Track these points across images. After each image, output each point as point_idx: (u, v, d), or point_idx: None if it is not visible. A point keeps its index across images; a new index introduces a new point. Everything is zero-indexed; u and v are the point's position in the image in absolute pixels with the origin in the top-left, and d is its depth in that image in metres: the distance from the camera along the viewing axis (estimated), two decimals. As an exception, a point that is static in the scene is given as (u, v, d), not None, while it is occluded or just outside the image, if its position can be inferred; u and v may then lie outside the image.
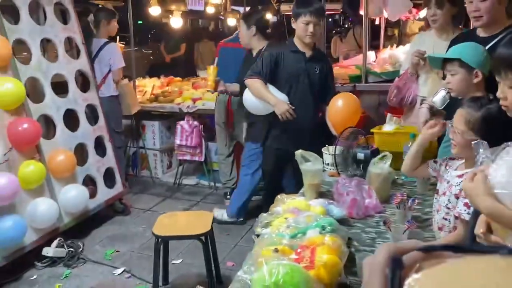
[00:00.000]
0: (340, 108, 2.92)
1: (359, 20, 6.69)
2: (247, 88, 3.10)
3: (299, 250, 1.38)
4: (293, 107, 2.91)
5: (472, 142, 1.17)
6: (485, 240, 1.09)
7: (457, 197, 1.55)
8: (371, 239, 1.78)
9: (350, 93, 3.15)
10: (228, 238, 3.56)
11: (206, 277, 2.65)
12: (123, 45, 4.96)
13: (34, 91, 3.33)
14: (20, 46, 3.33)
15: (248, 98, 3.09)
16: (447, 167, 1.72)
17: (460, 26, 3.07)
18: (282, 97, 3.00)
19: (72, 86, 3.58)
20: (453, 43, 2.58)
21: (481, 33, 2.40)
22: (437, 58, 2.22)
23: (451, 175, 1.65)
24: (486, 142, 1.14)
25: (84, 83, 3.86)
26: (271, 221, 1.74)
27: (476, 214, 1.27)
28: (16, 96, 2.94)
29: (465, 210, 1.47)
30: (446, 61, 2.09)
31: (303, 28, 2.90)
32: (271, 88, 3.02)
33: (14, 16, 3.26)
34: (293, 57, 3.01)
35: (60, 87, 3.49)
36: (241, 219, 3.77)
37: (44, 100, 3.30)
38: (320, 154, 2.53)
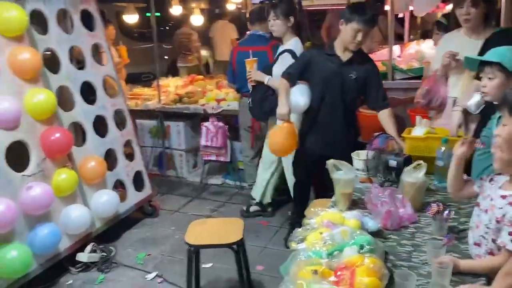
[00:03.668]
0: (277, 140, 3.04)
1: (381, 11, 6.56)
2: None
3: (338, 273, 1.38)
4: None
5: None
6: None
7: (497, 221, 1.50)
8: (407, 253, 1.75)
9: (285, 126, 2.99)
10: (256, 240, 3.58)
11: (237, 282, 2.68)
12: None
13: (64, 99, 3.38)
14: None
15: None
16: (492, 182, 1.64)
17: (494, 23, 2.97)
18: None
19: (101, 93, 3.64)
20: (487, 42, 2.50)
21: (518, 32, 2.33)
22: (474, 60, 2.11)
23: (495, 192, 1.58)
24: None
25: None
26: (305, 236, 1.74)
27: None
28: (48, 107, 2.99)
29: (510, 241, 1.42)
30: (483, 63, 2.00)
31: (351, 35, 2.77)
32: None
33: (42, 25, 3.31)
34: (328, 60, 2.91)
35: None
36: None
37: (74, 108, 3.36)
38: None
